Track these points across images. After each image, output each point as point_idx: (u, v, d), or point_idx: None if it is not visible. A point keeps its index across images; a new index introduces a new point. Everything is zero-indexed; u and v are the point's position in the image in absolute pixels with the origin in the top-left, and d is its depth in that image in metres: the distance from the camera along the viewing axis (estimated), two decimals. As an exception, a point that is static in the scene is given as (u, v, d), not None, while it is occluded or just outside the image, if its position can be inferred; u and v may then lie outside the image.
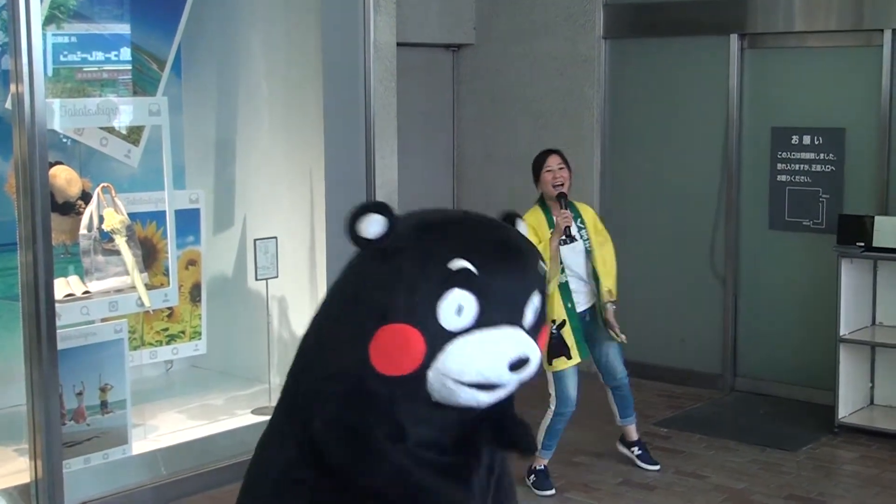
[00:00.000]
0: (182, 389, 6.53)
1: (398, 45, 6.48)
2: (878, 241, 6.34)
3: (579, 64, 7.77)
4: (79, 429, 5.23)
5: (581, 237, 5.57)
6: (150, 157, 5.82)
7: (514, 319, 2.83)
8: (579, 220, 5.61)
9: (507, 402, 2.97)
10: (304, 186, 6.29)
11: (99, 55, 5.71)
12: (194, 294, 6.22)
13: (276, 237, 6.18)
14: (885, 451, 6.16)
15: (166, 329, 6.15)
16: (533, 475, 5.66)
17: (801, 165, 7.00)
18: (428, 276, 2.77)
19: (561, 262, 5.49)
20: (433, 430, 2.89)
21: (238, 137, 6.64)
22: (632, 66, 7.71)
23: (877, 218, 6.39)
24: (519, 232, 3.08)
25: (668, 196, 7.59)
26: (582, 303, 5.62)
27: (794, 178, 7.03)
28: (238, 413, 6.12)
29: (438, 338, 2.74)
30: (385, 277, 2.81)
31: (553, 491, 5.62)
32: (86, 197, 5.54)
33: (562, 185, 5.50)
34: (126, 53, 5.81)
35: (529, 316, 2.88)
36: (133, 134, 5.79)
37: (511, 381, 2.80)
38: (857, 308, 6.49)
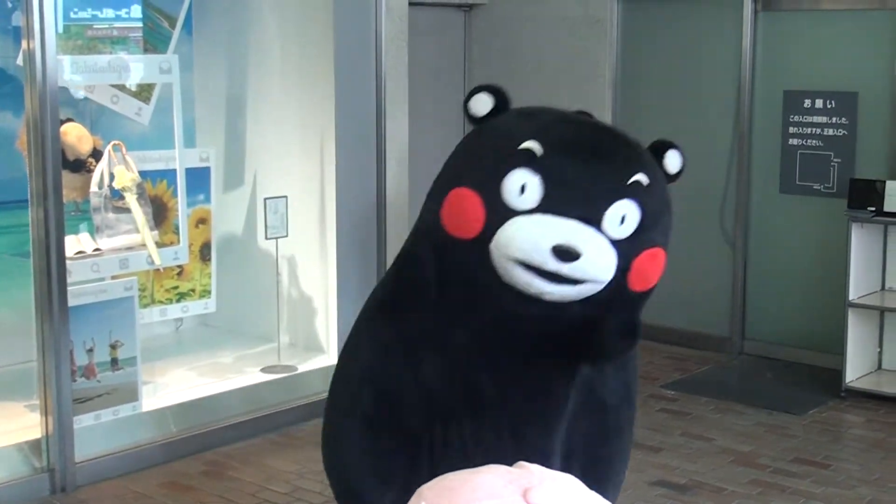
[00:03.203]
0: (192, 347, 6.56)
1: (410, 4, 6.44)
2: (889, 206, 6.32)
3: (591, 25, 7.73)
4: (89, 385, 5.26)
5: None
6: (160, 115, 5.82)
7: (588, 217, 2.83)
8: None
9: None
10: (314, 146, 6.28)
11: (110, 12, 5.69)
12: (204, 252, 6.24)
13: (286, 196, 6.19)
14: (891, 415, 6.17)
15: (176, 287, 6.16)
16: None
17: (813, 129, 6.96)
18: (499, 151, 2.90)
19: None
20: (484, 319, 3.02)
21: (249, 96, 6.63)
22: (644, 27, 7.67)
23: (888, 182, 6.36)
24: (624, 140, 3.07)
25: (679, 159, 7.54)
26: None
27: (806, 142, 7.00)
28: (247, 371, 6.14)
29: (500, 212, 2.83)
30: (473, 148, 3.02)
31: None
32: (97, 154, 5.54)
33: None
34: (137, 11, 5.80)
35: (613, 223, 2.86)
36: (144, 92, 5.78)
37: (557, 267, 2.81)
38: (866, 272, 6.49)
